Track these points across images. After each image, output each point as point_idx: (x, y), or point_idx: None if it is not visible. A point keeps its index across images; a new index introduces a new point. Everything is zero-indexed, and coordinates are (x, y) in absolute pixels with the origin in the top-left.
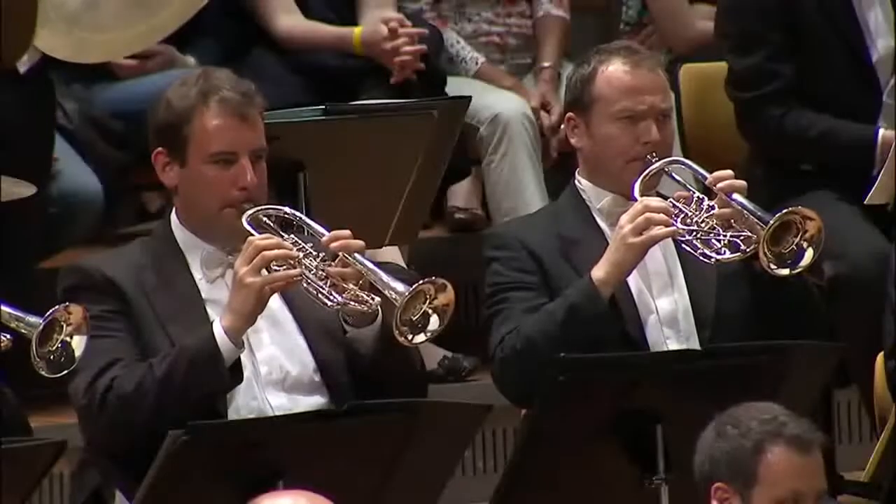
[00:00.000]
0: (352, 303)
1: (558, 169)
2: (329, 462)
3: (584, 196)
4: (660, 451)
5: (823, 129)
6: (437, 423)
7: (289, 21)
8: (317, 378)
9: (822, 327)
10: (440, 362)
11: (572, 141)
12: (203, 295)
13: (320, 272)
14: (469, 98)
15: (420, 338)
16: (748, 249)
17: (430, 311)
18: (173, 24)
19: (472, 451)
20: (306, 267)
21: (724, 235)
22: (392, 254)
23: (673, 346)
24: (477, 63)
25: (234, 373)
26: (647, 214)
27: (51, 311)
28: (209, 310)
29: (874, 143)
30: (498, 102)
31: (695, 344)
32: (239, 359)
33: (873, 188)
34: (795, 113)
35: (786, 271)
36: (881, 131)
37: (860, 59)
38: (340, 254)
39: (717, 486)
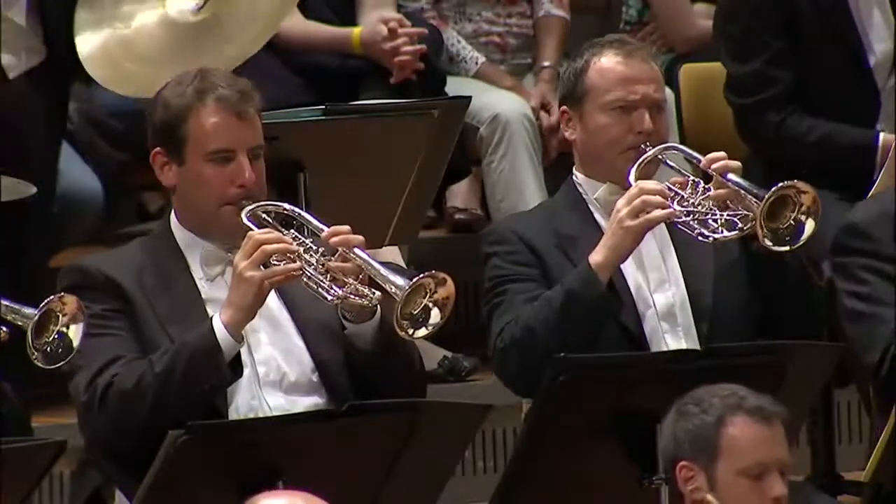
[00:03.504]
0: (352, 297)
1: (558, 168)
2: (329, 462)
3: (580, 190)
4: (660, 451)
5: (822, 134)
6: (437, 423)
7: (288, 21)
8: (315, 378)
9: (819, 325)
10: (440, 362)
11: (566, 134)
12: (203, 295)
13: (320, 267)
14: (469, 98)
15: (421, 332)
16: (745, 227)
17: (430, 305)
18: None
19: (472, 451)
20: (306, 261)
21: (721, 215)
22: (392, 254)
23: (671, 339)
24: (477, 63)
25: (234, 367)
26: (644, 197)
27: (45, 301)
28: (209, 309)
29: (874, 147)
30: (498, 102)
31: (693, 338)
32: (239, 353)
33: (873, 189)
34: (794, 118)
35: (786, 248)
36: (881, 135)
37: (858, 64)
38: (340, 249)
39: (681, 465)
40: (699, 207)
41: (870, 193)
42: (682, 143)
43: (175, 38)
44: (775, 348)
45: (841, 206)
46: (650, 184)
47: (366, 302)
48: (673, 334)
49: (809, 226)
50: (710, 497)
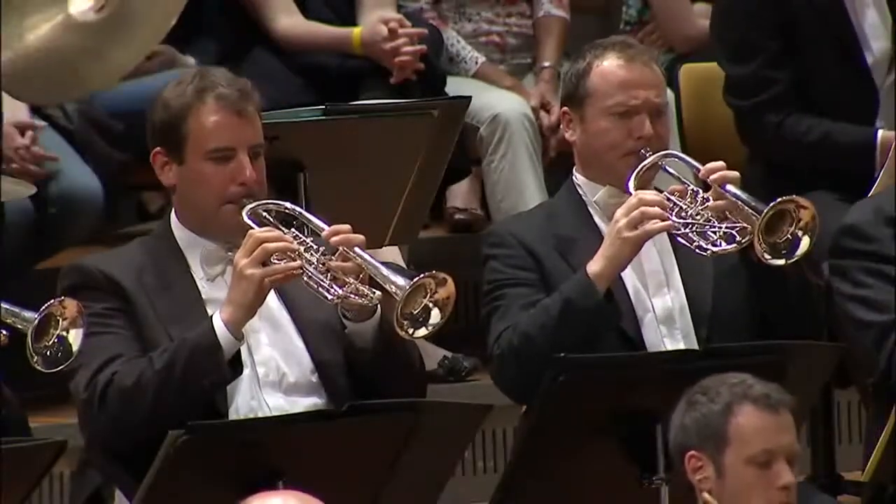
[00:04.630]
0: (352, 296)
1: (558, 168)
2: (329, 462)
3: (580, 191)
4: (660, 451)
5: (822, 133)
6: (437, 423)
7: (288, 22)
8: (314, 379)
9: (819, 325)
10: (440, 362)
11: (567, 135)
12: (203, 294)
13: (321, 266)
14: (469, 98)
15: (421, 332)
16: (743, 240)
17: (430, 305)
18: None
19: (472, 451)
20: (307, 260)
21: (720, 227)
22: (392, 254)
23: (670, 344)
24: (476, 63)
25: (234, 366)
26: (643, 208)
27: (46, 305)
28: (209, 309)
29: (874, 145)
30: (498, 102)
31: (692, 342)
32: (239, 351)
33: (873, 189)
34: (793, 118)
35: (781, 261)
36: (880, 132)
37: (856, 63)
38: (341, 248)
39: (690, 455)
40: (698, 218)
41: (870, 193)
42: (682, 142)
43: (81, 38)
44: (775, 348)
45: (841, 207)
46: (649, 194)
47: (366, 301)
48: (672, 339)
49: (805, 242)
50: (707, 497)
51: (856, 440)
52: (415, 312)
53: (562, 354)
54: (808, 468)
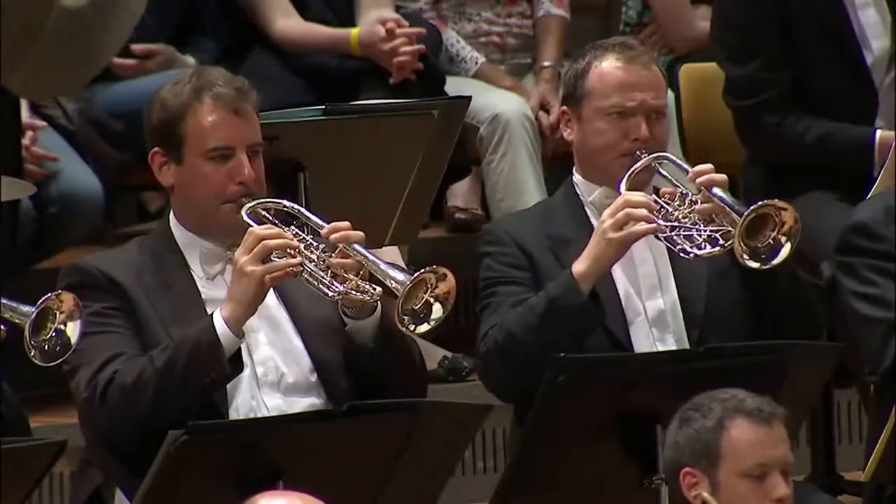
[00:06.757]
0: (353, 292)
1: (558, 168)
2: (329, 462)
3: (578, 191)
4: (660, 451)
5: (820, 133)
6: (437, 423)
7: (285, 23)
8: (313, 379)
9: (817, 326)
10: (440, 362)
11: (565, 135)
12: (203, 294)
13: (321, 263)
14: (469, 98)
15: (423, 327)
16: (726, 244)
17: (431, 301)
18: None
19: (472, 451)
20: (307, 258)
21: (705, 230)
22: (392, 254)
23: (661, 347)
24: (476, 63)
25: (235, 363)
26: (628, 210)
27: (42, 299)
28: (209, 308)
29: (872, 144)
30: (498, 102)
31: (684, 343)
32: (239, 349)
33: (873, 188)
34: (792, 119)
35: (757, 265)
36: (879, 132)
37: (855, 62)
38: (340, 245)
39: (684, 472)
40: (684, 221)
41: (870, 193)
42: (681, 143)
43: (73, 27)
44: (775, 348)
45: (840, 207)
46: (636, 196)
47: (367, 297)
48: (663, 342)
49: (786, 249)
50: (706, 495)
51: (856, 440)
52: (416, 308)
53: (562, 354)
54: (808, 468)
